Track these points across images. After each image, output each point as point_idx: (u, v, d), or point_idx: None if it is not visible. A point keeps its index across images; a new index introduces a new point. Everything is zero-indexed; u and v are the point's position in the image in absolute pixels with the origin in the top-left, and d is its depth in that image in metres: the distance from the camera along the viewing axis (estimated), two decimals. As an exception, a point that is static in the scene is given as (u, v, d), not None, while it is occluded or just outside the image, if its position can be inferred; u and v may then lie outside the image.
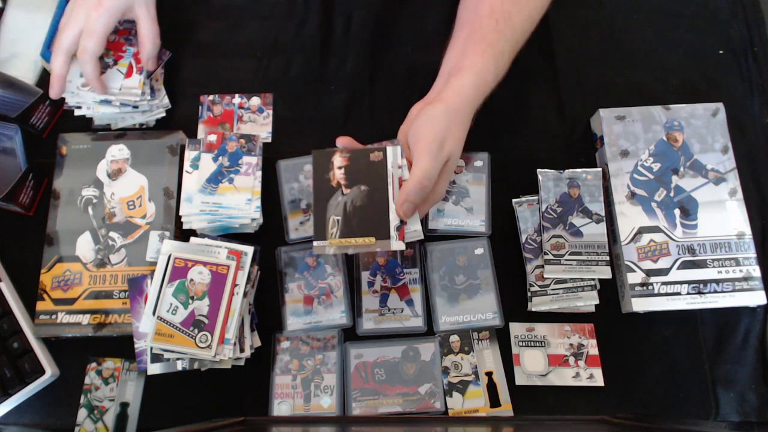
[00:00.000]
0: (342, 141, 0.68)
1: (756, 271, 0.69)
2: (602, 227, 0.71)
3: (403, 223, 0.63)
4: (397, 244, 0.62)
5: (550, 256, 0.70)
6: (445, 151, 0.62)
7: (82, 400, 0.69)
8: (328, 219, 0.63)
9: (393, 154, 0.65)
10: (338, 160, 0.65)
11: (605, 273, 0.70)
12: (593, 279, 0.70)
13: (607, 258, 0.70)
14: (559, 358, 0.70)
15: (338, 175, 0.64)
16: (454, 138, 0.63)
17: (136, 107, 0.77)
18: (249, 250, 0.68)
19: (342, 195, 0.64)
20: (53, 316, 0.70)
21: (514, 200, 0.74)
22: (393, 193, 0.63)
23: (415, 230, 0.64)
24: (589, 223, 0.71)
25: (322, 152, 0.66)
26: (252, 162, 0.74)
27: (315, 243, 0.63)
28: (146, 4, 0.75)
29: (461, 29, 0.70)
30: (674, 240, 0.70)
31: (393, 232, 0.62)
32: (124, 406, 0.69)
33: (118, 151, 0.75)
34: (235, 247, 0.68)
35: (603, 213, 0.72)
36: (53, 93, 0.73)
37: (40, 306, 0.70)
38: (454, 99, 0.64)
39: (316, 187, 0.64)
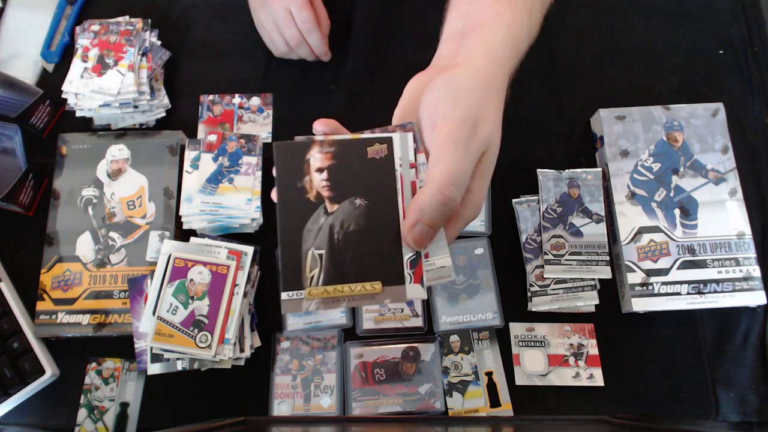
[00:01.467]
0: (323, 124, 0.46)
1: (756, 271, 0.69)
2: (602, 227, 0.71)
3: (419, 255, 0.42)
4: (414, 291, 0.42)
5: (550, 256, 0.70)
6: (478, 138, 0.42)
7: (82, 400, 0.69)
8: (305, 255, 0.42)
9: (403, 145, 0.44)
10: (317, 157, 0.43)
11: (605, 273, 0.70)
12: (593, 279, 0.70)
13: (607, 258, 0.70)
14: (559, 358, 0.70)
15: (318, 182, 0.43)
16: (490, 117, 0.44)
17: (136, 107, 0.77)
18: (249, 250, 0.68)
19: (325, 214, 0.43)
20: (53, 316, 0.70)
21: (514, 200, 0.74)
22: (405, 206, 0.43)
23: (442, 266, 0.42)
24: (589, 223, 0.71)
25: (290, 145, 0.44)
26: (252, 162, 0.74)
27: (284, 295, 0.41)
28: None
29: None
30: (674, 240, 0.70)
31: (407, 271, 0.42)
32: (124, 406, 0.69)
33: (118, 151, 0.75)
34: (235, 247, 0.68)
35: (603, 213, 0.72)
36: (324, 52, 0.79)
37: (40, 306, 0.70)
38: (482, 61, 0.46)
39: (283, 203, 0.42)
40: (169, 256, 0.67)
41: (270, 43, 0.80)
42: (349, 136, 0.45)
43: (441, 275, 0.42)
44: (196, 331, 0.64)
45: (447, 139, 0.42)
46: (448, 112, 0.43)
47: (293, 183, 0.43)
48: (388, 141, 0.44)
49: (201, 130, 0.79)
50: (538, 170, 0.73)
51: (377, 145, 0.44)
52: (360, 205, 0.43)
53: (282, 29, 0.76)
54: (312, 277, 0.41)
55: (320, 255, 0.42)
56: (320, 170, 0.43)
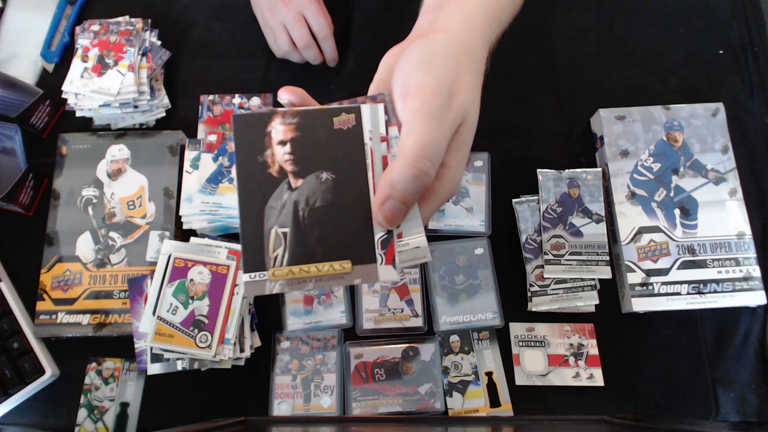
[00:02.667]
0: (289, 92, 0.42)
1: (756, 271, 0.68)
2: (602, 227, 0.71)
3: (390, 234, 0.40)
4: (386, 272, 0.39)
5: (550, 256, 0.70)
6: (455, 107, 0.40)
7: (82, 400, 0.69)
8: (268, 233, 0.39)
9: (373, 117, 0.41)
10: (279, 129, 0.40)
11: (605, 273, 0.70)
12: (593, 279, 0.70)
13: (607, 258, 0.70)
14: (559, 358, 0.70)
15: (281, 155, 0.40)
16: (468, 86, 0.41)
17: (136, 107, 0.77)
18: (249, 250, 0.68)
19: (289, 190, 0.40)
20: (53, 316, 0.70)
21: (514, 200, 0.74)
22: (376, 183, 0.40)
23: (417, 247, 0.40)
24: (589, 223, 0.71)
25: (248, 116, 0.41)
26: (252, 162, 0.73)
27: (245, 277, 0.39)
28: None
29: None
30: (674, 240, 0.70)
31: (378, 252, 0.39)
32: (124, 406, 0.69)
33: (118, 151, 0.75)
34: (235, 247, 0.68)
35: (603, 213, 0.72)
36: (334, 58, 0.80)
37: (40, 306, 0.70)
38: (459, 27, 0.44)
39: (243, 179, 0.40)
40: (169, 256, 0.67)
41: (273, 43, 0.80)
42: (315, 107, 0.42)
43: (415, 256, 0.40)
44: (196, 331, 0.64)
45: (420, 108, 0.39)
46: (421, 80, 0.40)
47: (253, 157, 0.40)
48: (356, 111, 0.41)
49: (201, 130, 0.79)
50: (538, 170, 0.73)
51: (344, 115, 0.41)
52: (327, 179, 0.40)
53: (291, 30, 0.76)
54: (276, 258, 0.39)
55: (284, 233, 0.39)
56: (282, 143, 0.40)
